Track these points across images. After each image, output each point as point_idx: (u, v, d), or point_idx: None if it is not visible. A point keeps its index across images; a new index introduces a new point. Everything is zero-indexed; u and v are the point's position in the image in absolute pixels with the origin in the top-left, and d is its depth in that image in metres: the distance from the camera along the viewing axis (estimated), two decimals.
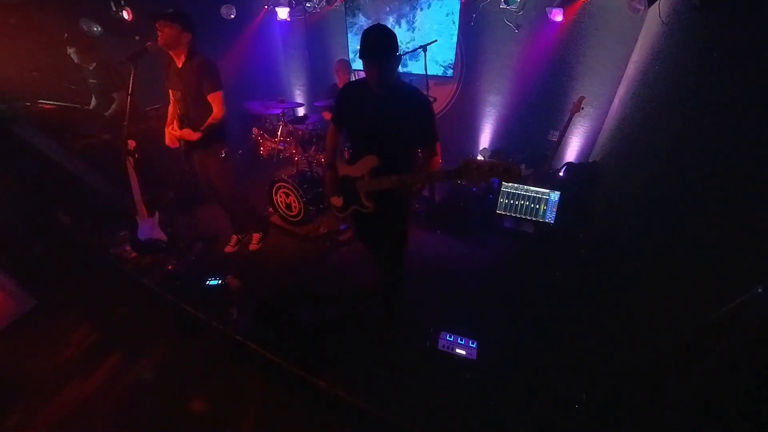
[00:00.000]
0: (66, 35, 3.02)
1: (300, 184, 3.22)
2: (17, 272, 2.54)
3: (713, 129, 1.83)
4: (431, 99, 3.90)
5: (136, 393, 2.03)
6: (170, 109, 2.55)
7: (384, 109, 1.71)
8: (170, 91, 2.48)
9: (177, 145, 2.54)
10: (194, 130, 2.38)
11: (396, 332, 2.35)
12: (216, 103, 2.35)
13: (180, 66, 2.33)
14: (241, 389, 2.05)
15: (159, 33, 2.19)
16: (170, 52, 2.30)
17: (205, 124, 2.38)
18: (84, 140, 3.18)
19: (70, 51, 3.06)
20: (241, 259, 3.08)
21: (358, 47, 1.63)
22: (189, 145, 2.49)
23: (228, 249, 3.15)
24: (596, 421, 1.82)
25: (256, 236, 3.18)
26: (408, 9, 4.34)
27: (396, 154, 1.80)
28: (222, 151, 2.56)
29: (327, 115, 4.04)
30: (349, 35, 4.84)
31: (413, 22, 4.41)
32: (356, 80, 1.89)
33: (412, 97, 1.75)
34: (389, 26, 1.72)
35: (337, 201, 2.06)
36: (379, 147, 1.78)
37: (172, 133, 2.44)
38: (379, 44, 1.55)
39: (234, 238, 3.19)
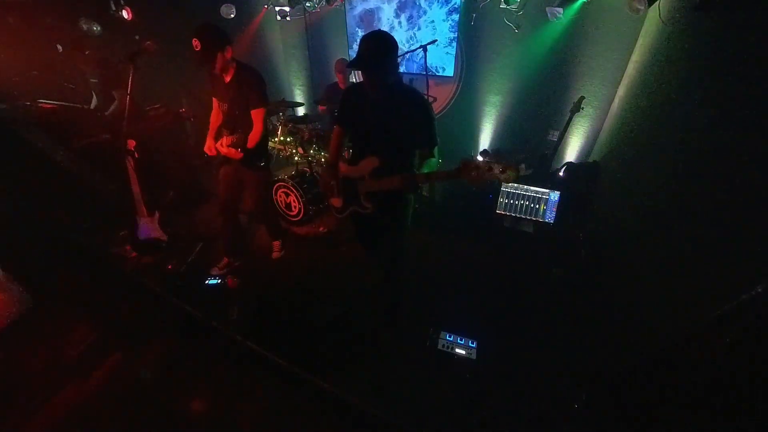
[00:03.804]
0: (60, 48, 3.00)
1: (300, 184, 3.22)
2: (17, 272, 2.54)
3: (713, 128, 1.83)
4: (431, 99, 3.91)
5: (136, 393, 2.03)
6: (213, 116, 2.49)
7: (382, 111, 1.73)
8: (215, 100, 2.43)
9: (215, 153, 2.44)
10: (235, 148, 2.32)
11: (396, 331, 2.35)
12: (258, 119, 2.29)
13: (228, 81, 2.26)
14: (241, 389, 2.05)
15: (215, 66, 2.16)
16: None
17: (249, 142, 2.32)
18: (84, 140, 3.18)
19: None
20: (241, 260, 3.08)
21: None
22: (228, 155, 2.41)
23: (215, 270, 2.88)
24: (596, 421, 1.82)
25: (276, 244, 3.09)
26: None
27: (396, 156, 1.80)
28: (262, 161, 2.54)
29: (322, 108, 4.07)
30: (348, 33, 4.83)
31: (416, 19, 4.34)
32: (357, 83, 1.91)
33: (410, 99, 1.76)
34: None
35: (337, 202, 2.06)
36: (379, 148, 1.79)
37: (219, 149, 2.36)
38: (370, 53, 1.58)
39: (225, 260, 2.94)
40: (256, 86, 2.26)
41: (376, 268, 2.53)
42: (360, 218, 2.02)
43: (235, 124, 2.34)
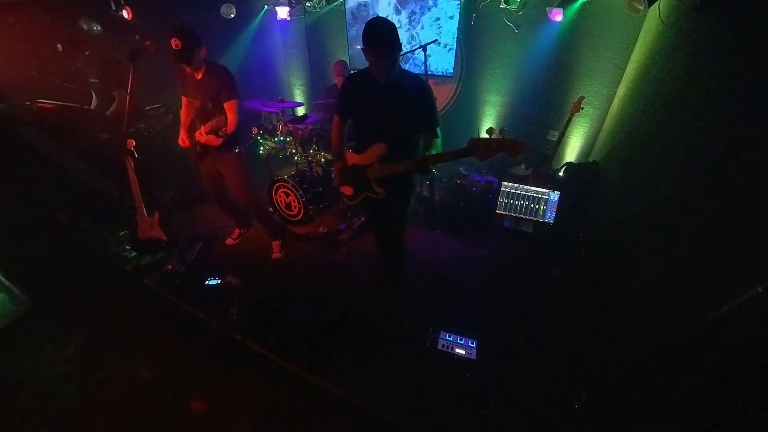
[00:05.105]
0: (60, 48, 3.02)
1: (300, 184, 3.21)
2: (17, 272, 2.53)
3: (713, 128, 1.83)
4: None
5: (135, 393, 2.03)
6: (183, 112, 2.63)
7: (389, 97, 1.78)
8: (184, 98, 2.57)
9: (188, 144, 2.62)
10: (215, 134, 2.46)
11: (395, 330, 2.36)
12: (231, 110, 2.44)
13: (199, 78, 2.40)
14: (241, 389, 2.05)
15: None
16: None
17: (226, 131, 2.44)
18: (84, 140, 3.17)
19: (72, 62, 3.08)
20: (241, 259, 3.08)
21: (362, 41, 1.66)
22: (205, 147, 2.57)
23: (229, 241, 3.22)
24: (596, 421, 1.82)
25: (276, 244, 3.10)
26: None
27: (402, 141, 1.85)
28: (237, 147, 2.67)
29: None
30: (349, 33, 4.80)
31: (419, 17, 4.20)
32: (358, 71, 1.93)
33: (414, 84, 1.81)
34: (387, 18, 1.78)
35: (347, 190, 2.12)
36: (386, 135, 1.83)
37: (199, 138, 2.51)
38: (384, 36, 1.61)
39: (237, 231, 3.25)
40: (226, 81, 2.41)
41: (378, 263, 2.56)
42: (371, 205, 2.11)
43: (209, 118, 2.46)
